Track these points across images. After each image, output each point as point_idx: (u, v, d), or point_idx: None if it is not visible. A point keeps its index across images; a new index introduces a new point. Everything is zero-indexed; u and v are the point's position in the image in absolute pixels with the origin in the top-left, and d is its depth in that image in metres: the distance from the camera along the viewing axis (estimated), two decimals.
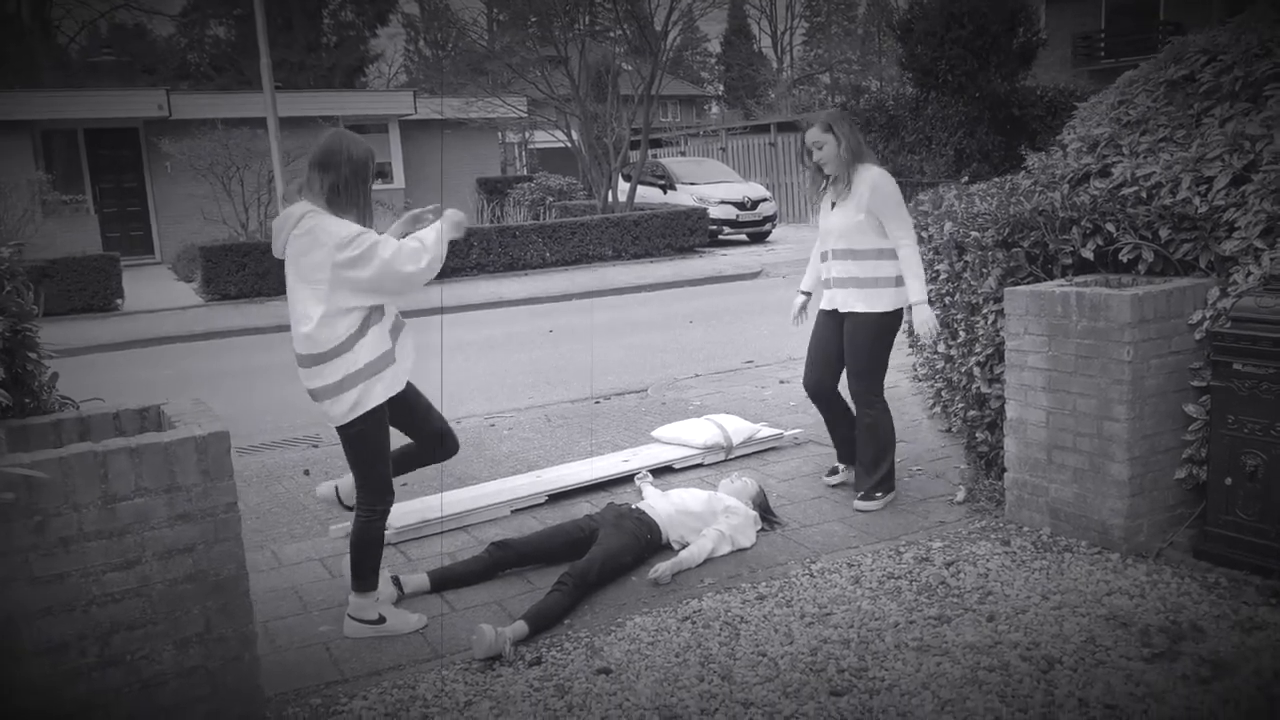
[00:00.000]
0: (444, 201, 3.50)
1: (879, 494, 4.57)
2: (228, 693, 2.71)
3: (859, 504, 4.57)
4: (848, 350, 4.53)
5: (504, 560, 3.98)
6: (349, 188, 3.30)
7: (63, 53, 35.85)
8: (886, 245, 4.40)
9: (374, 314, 3.36)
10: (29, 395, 2.94)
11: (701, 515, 4.21)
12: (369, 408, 3.36)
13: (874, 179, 4.35)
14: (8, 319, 2.77)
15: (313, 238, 3.24)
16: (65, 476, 2.46)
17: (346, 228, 3.24)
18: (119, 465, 2.52)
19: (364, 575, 3.54)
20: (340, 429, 3.43)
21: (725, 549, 4.14)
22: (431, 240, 3.35)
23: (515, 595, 3.87)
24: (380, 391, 3.37)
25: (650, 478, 4.91)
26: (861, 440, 4.60)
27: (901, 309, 4.52)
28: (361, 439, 3.42)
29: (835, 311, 4.57)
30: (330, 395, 3.34)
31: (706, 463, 5.38)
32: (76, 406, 3.06)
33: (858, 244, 4.41)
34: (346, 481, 3.87)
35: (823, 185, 4.55)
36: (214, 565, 2.66)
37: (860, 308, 4.45)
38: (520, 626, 3.45)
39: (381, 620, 3.54)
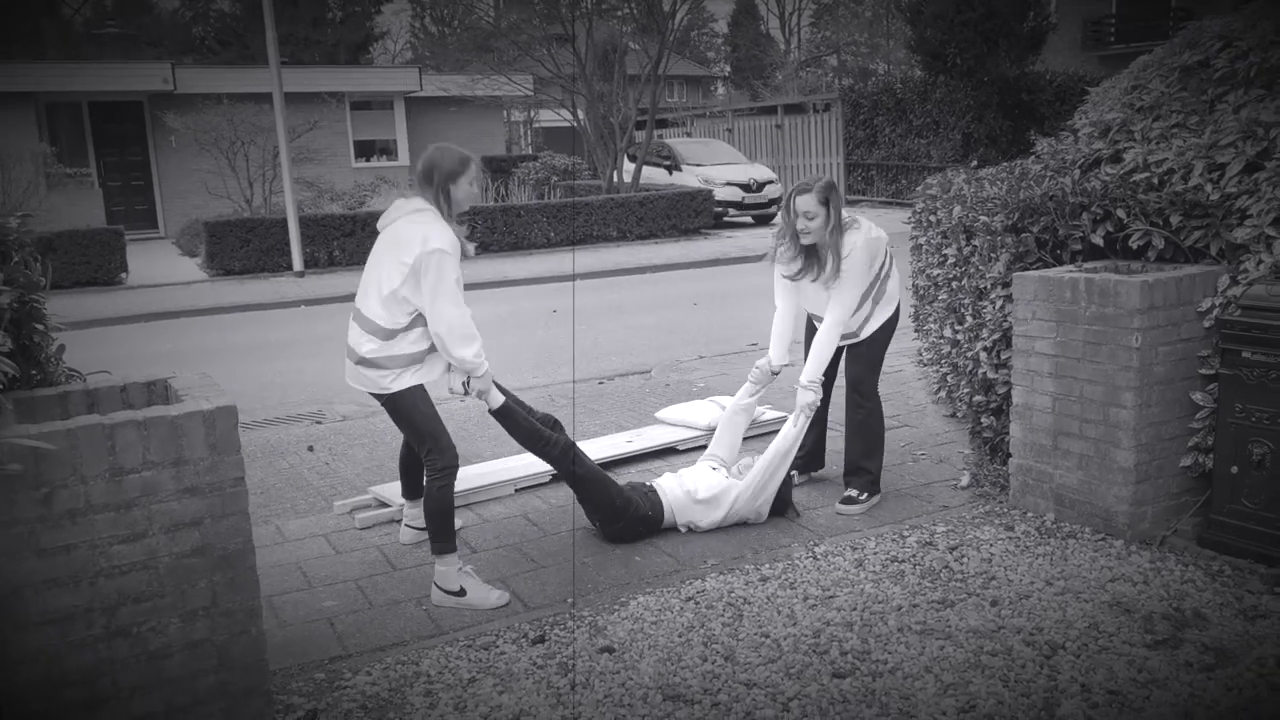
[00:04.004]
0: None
1: (864, 496, 4.43)
2: (233, 666, 2.72)
3: (840, 508, 4.41)
4: (863, 345, 4.46)
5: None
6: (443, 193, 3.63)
7: (67, 25, 35.66)
8: (874, 276, 4.33)
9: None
10: (35, 367, 2.93)
11: (709, 503, 4.20)
12: (409, 385, 3.65)
13: (855, 251, 4.19)
14: (15, 290, 2.75)
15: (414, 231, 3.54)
16: (72, 448, 2.46)
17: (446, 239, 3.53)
18: (127, 438, 2.52)
19: (440, 538, 3.67)
20: (386, 399, 3.66)
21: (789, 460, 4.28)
22: (481, 371, 3.71)
23: (519, 574, 3.88)
24: (419, 377, 3.67)
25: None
26: (850, 435, 4.52)
27: (899, 306, 4.48)
28: (410, 407, 3.65)
29: None
30: (377, 367, 3.62)
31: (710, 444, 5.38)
32: (84, 379, 3.06)
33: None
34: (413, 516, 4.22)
35: (793, 256, 4.31)
36: (221, 539, 2.66)
37: (875, 328, 4.43)
38: (497, 397, 3.83)
39: (462, 593, 3.64)
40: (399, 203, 3.70)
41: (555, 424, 4.15)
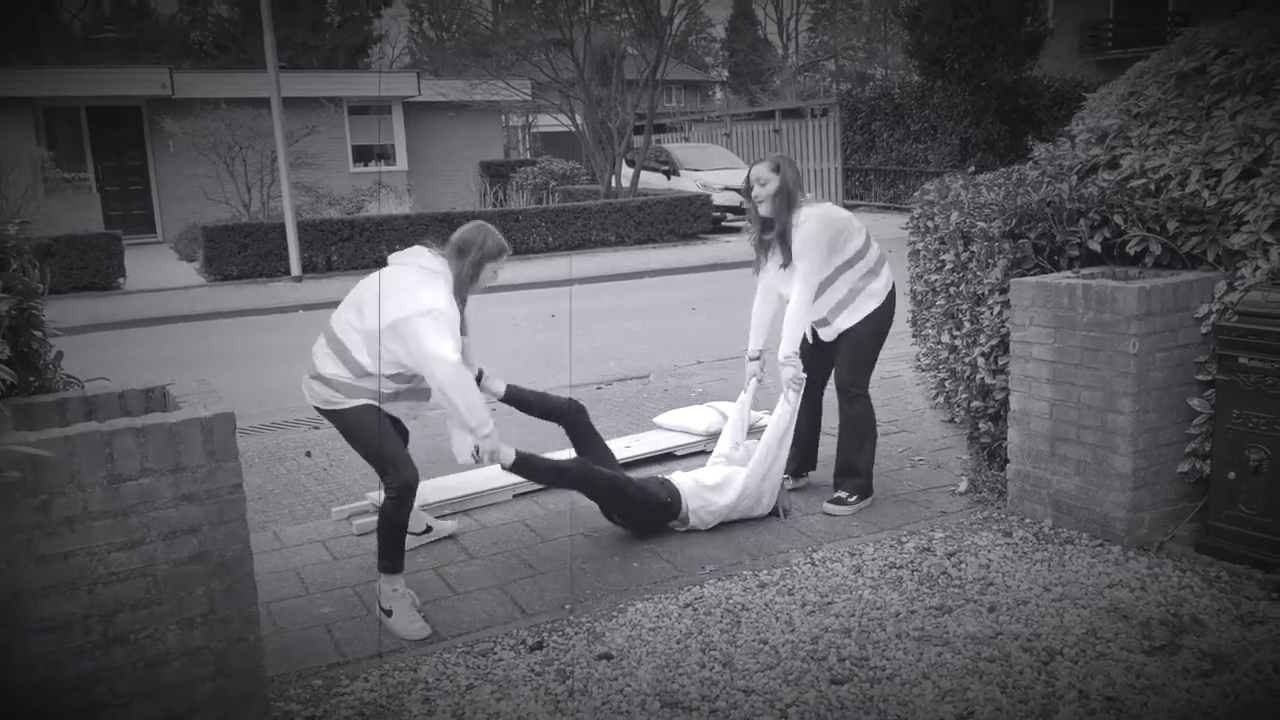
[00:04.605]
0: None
1: (853, 498, 4.43)
2: (231, 673, 2.71)
3: (827, 506, 4.43)
4: (845, 346, 4.47)
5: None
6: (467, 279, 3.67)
7: (65, 30, 35.65)
8: (843, 258, 4.35)
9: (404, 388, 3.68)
10: (34, 374, 2.93)
11: (718, 488, 4.26)
12: (350, 406, 3.62)
13: (809, 220, 4.26)
14: (14, 297, 2.76)
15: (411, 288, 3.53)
16: (70, 456, 2.46)
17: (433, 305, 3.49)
18: (125, 445, 2.52)
19: (386, 556, 3.59)
20: (335, 414, 3.64)
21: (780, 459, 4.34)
22: (479, 418, 3.59)
23: (517, 580, 3.88)
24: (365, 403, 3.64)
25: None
26: (841, 434, 4.52)
27: (889, 300, 4.46)
28: (349, 425, 3.62)
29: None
30: (333, 388, 3.60)
31: (709, 450, 5.37)
32: (81, 386, 3.06)
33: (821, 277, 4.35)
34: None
35: (761, 240, 4.41)
36: (219, 546, 2.66)
37: (852, 322, 4.43)
38: (508, 453, 3.72)
39: (389, 614, 3.54)
40: (420, 249, 3.69)
41: (580, 410, 4.24)
